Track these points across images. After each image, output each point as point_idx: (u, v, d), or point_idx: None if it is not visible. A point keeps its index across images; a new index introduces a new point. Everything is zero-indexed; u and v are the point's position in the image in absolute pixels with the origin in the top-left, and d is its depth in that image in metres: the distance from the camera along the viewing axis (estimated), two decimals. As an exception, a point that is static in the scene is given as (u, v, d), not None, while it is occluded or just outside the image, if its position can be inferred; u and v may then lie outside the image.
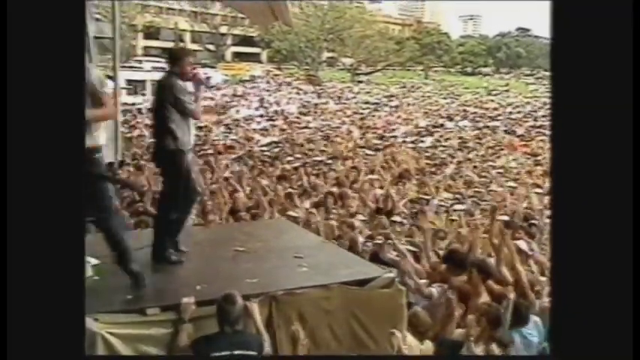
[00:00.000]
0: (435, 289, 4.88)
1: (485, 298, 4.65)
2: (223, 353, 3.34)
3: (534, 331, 4.41)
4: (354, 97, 36.67)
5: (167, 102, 4.21)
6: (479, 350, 3.88)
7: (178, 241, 4.50)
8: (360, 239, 6.09)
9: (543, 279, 5.12)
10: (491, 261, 5.18)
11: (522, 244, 5.78)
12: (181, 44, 56.00)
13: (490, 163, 13.96)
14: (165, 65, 4.57)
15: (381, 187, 9.36)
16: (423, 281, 5.06)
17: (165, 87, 4.25)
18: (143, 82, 29.92)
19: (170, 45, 54.54)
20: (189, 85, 4.36)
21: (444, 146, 16.95)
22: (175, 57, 4.36)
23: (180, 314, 3.47)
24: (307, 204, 7.87)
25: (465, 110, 29.86)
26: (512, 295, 4.41)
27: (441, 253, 5.73)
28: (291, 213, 7.03)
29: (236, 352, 3.35)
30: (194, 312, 3.49)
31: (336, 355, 3.59)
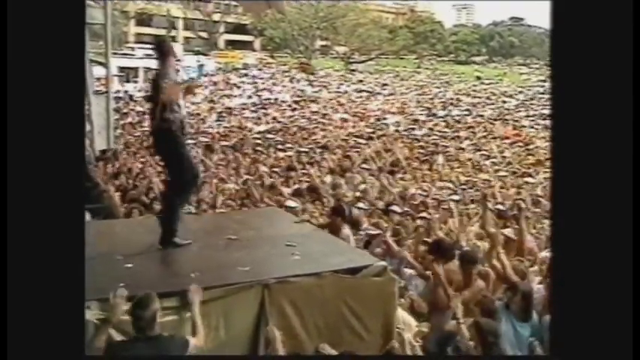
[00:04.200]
0: (420, 282, 4.93)
1: (480, 285, 4.67)
2: None
3: (526, 325, 4.40)
4: (348, 86, 36.54)
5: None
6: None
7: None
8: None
9: (533, 269, 5.15)
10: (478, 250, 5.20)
11: (510, 233, 5.79)
12: (174, 32, 55.66)
13: (482, 152, 13.99)
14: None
15: (372, 176, 9.37)
16: (413, 272, 5.10)
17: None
18: (135, 69, 29.78)
19: (162, 32, 54.25)
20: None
21: (436, 135, 16.97)
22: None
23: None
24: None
25: (458, 99, 29.84)
26: (522, 286, 4.38)
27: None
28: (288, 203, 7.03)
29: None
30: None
31: (336, 355, 3.61)
